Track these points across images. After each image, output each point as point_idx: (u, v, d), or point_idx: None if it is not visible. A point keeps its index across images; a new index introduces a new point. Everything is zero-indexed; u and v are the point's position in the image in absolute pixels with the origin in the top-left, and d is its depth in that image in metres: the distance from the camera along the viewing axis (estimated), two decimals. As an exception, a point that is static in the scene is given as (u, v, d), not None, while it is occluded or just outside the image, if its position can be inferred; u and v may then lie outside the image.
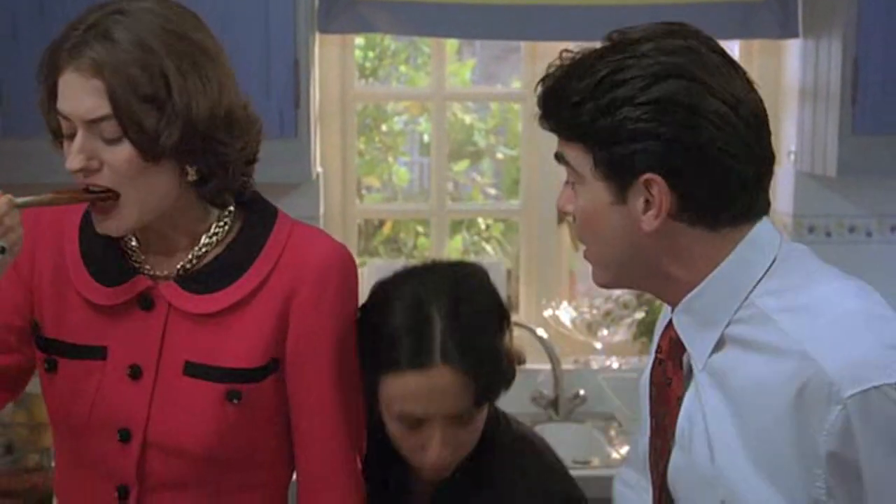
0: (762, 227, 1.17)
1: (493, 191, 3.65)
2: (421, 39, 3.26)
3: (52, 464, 2.17)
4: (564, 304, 2.90)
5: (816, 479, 1.08)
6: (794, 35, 2.72)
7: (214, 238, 1.43)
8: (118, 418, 1.41)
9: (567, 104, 1.16)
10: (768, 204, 1.19)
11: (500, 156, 3.70)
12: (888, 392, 1.04)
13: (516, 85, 3.21)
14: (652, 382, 1.26)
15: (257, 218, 1.46)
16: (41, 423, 2.29)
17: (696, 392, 1.18)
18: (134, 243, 1.44)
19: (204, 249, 1.42)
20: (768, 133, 1.18)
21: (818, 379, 1.06)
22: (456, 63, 3.51)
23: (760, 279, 1.15)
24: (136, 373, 1.41)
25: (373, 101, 3.33)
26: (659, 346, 1.25)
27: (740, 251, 1.16)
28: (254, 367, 1.41)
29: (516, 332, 2.82)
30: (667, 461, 1.21)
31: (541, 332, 2.77)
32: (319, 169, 2.73)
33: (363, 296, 1.53)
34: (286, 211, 1.52)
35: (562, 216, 1.25)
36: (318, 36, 2.65)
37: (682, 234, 1.15)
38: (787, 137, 2.82)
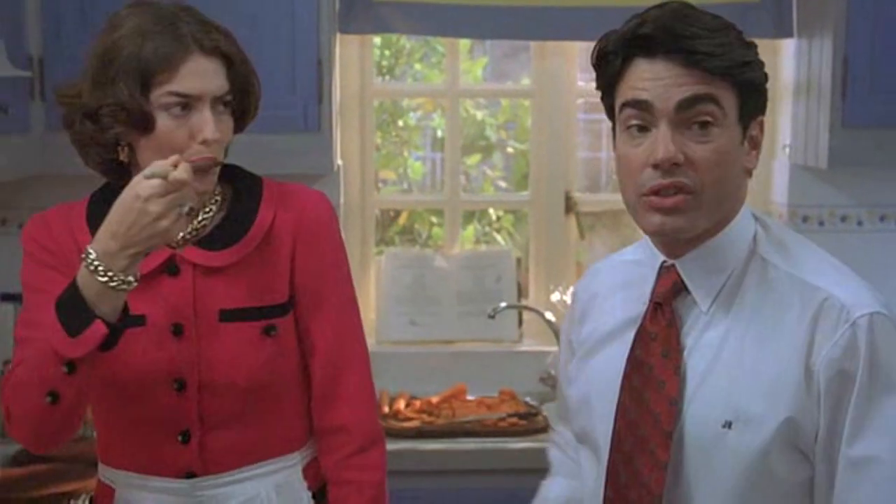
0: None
1: (503, 183, 3.75)
2: (435, 39, 3.37)
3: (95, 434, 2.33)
4: (571, 289, 3.03)
5: (812, 389, 1.26)
6: (789, 35, 2.82)
7: (216, 204, 1.64)
8: (171, 371, 1.59)
9: (726, 41, 1.30)
10: None
11: (510, 150, 3.79)
12: (884, 320, 1.26)
13: (525, 82, 3.29)
14: (643, 327, 1.38)
15: (246, 182, 1.68)
16: (84, 397, 2.45)
17: (692, 330, 1.34)
18: None
19: (209, 214, 1.63)
20: None
21: (832, 305, 1.26)
22: (468, 61, 3.60)
23: (754, 235, 1.36)
24: (178, 330, 1.59)
25: (390, 97, 3.44)
26: (654, 291, 1.38)
27: (745, 210, 1.38)
28: (281, 303, 1.63)
29: (526, 315, 2.98)
30: (677, 394, 1.32)
31: (549, 315, 2.90)
32: (340, 161, 2.86)
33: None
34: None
35: (670, 167, 1.29)
36: (338, 36, 2.77)
37: (745, 181, 1.37)
38: (782, 131, 2.94)
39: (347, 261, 1.75)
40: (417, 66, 3.71)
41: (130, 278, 1.46)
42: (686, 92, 1.28)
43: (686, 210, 1.30)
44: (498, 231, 3.65)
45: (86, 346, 1.46)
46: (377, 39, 3.19)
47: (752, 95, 1.33)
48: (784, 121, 2.92)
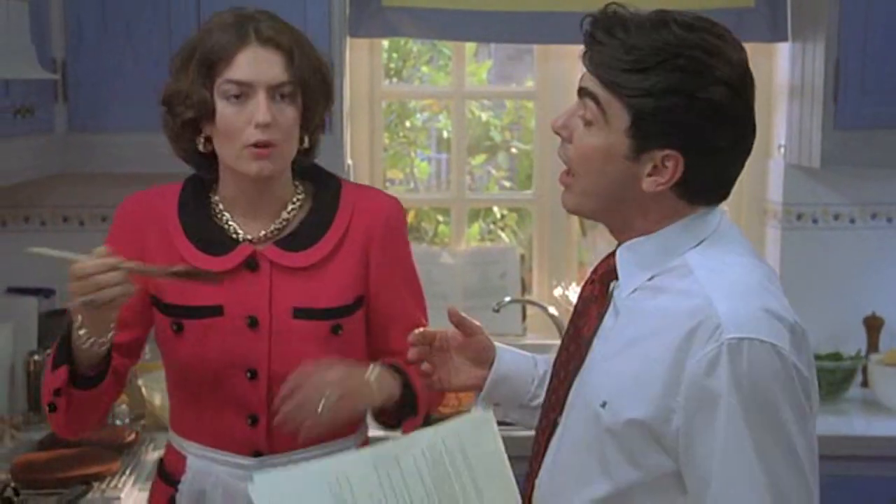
0: (716, 209, 1.38)
1: (507, 183, 3.80)
2: (441, 42, 3.44)
3: (117, 421, 2.43)
4: (574, 284, 3.11)
5: (675, 396, 1.27)
6: (784, 39, 2.90)
7: (298, 203, 1.73)
8: (245, 361, 1.69)
9: (629, 66, 1.28)
10: (728, 194, 1.40)
11: (514, 150, 3.84)
12: (758, 347, 1.24)
13: (529, 84, 3.33)
14: (580, 297, 1.47)
15: (325, 184, 1.77)
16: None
17: (611, 312, 1.40)
18: (227, 216, 1.72)
19: (292, 212, 1.72)
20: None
21: (710, 321, 1.26)
22: (473, 64, 3.64)
23: (696, 245, 1.36)
24: (253, 322, 1.69)
25: (397, 99, 3.51)
26: (596, 269, 1.46)
27: (691, 220, 1.36)
28: (348, 304, 1.72)
29: (530, 309, 3.05)
30: (580, 361, 1.41)
31: (552, 310, 2.97)
32: (350, 161, 2.93)
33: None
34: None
35: (555, 129, 1.38)
36: (349, 40, 2.84)
37: (663, 200, 1.34)
38: (777, 132, 3.02)
39: (413, 261, 1.84)
40: (424, 69, 3.77)
41: (92, 341, 1.58)
42: (581, 84, 1.36)
43: (566, 183, 1.40)
44: (502, 229, 3.71)
45: (54, 382, 1.61)
46: (385, 43, 3.25)
47: (651, 124, 1.29)
48: (779, 121, 3.00)
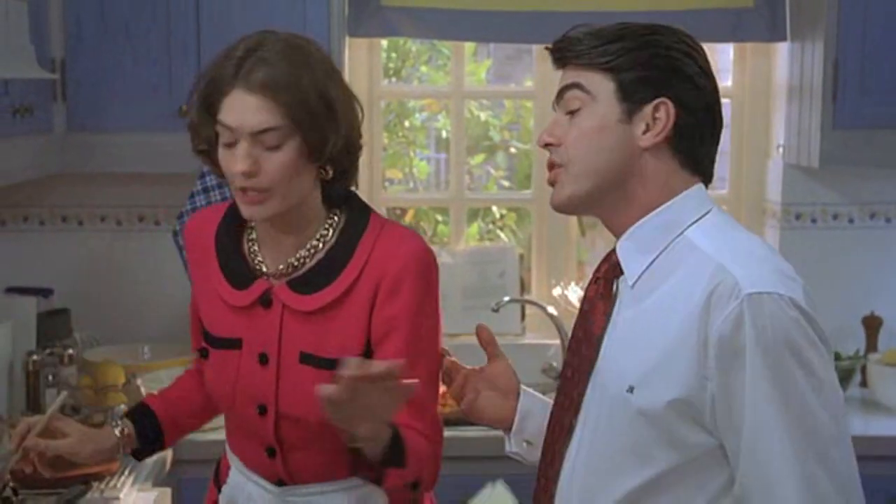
0: (702, 188, 1.44)
1: (506, 182, 3.82)
2: (440, 42, 3.45)
3: (116, 421, 2.44)
4: (572, 284, 3.12)
5: (707, 361, 1.30)
6: (783, 39, 2.91)
7: (321, 240, 1.67)
8: (255, 396, 1.68)
9: (604, 39, 1.40)
10: (711, 178, 1.47)
11: (513, 150, 3.86)
12: (777, 300, 1.29)
13: (528, 84, 3.35)
14: (585, 298, 1.49)
15: (354, 220, 1.68)
16: (105, 386, 2.54)
17: (619, 307, 1.43)
18: (255, 247, 1.70)
19: (311, 250, 1.66)
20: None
21: (727, 282, 1.30)
22: (473, 64, 3.67)
23: (694, 221, 1.40)
24: (263, 359, 1.67)
25: (396, 98, 3.52)
26: (598, 268, 1.48)
27: (688, 195, 1.41)
28: (357, 354, 1.59)
29: (529, 309, 3.06)
30: (593, 359, 1.43)
31: (551, 309, 2.97)
32: (349, 161, 2.95)
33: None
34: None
35: (542, 144, 1.45)
36: (348, 39, 2.85)
37: (661, 159, 1.40)
38: (776, 132, 3.03)
39: (431, 315, 1.66)
40: (423, 69, 3.79)
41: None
42: (559, 87, 1.45)
43: (557, 180, 1.44)
44: (501, 228, 3.73)
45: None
46: (384, 42, 3.26)
47: (634, 79, 1.38)
48: (778, 121, 3.01)
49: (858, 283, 3.00)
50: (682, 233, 1.40)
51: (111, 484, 2.13)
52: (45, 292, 2.80)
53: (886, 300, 2.98)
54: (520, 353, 3.00)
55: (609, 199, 1.43)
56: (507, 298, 2.94)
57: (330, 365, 1.56)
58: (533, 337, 3.10)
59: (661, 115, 1.38)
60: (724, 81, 3.21)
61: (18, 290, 2.77)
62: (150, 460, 2.32)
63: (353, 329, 1.64)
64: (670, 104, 1.38)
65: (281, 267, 1.67)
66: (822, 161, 2.70)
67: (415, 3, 2.87)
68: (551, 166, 1.45)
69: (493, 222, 3.73)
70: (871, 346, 2.92)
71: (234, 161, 1.56)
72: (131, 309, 2.96)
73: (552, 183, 1.45)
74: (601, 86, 1.40)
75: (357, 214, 1.69)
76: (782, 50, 2.97)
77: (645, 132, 1.39)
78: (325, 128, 1.59)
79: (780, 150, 2.98)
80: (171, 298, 2.94)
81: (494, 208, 3.71)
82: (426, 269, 1.65)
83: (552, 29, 2.90)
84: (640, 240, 1.41)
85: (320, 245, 1.67)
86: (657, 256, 1.40)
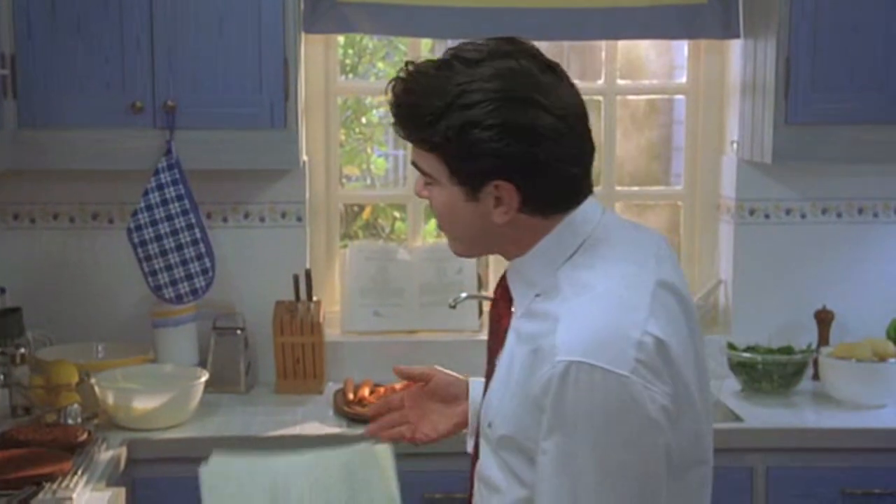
0: (582, 209, 1.39)
1: (464, 179, 3.83)
2: (397, 38, 3.44)
3: (69, 420, 2.41)
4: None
5: (528, 415, 1.31)
6: (736, 36, 2.93)
7: None
8: None
9: (422, 122, 1.34)
10: (591, 187, 1.41)
11: (470, 146, 3.87)
12: (585, 369, 1.24)
13: None
14: (490, 318, 1.51)
15: None
16: (58, 386, 2.51)
17: (510, 334, 1.42)
18: None
19: None
20: (588, 128, 1.39)
21: (550, 342, 1.28)
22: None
23: (572, 255, 1.37)
24: None
25: (353, 94, 3.51)
26: (496, 288, 1.49)
27: (560, 230, 1.38)
28: None
29: (486, 305, 3.06)
30: (488, 382, 1.46)
31: (508, 305, 3.00)
32: (305, 157, 2.93)
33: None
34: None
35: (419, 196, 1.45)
36: (303, 36, 2.83)
37: (522, 222, 1.37)
38: (730, 128, 3.06)
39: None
40: (380, 65, 3.77)
41: None
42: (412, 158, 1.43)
43: (447, 238, 1.47)
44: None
45: None
46: (341, 39, 3.25)
47: (465, 165, 1.33)
48: (732, 118, 3.04)
49: (811, 277, 3.05)
50: (556, 270, 1.37)
51: (64, 484, 2.11)
52: (-4, 291, 2.76)
53: (838, 295, 3.02)
54: (477, 349, 2.99)
55: (493, 252, 1.49)
56: (464, 295, 2.94)
57: None
58: (490, 333, 3.11)
59: (502, 194, 1.34)
60: (679, 78, 3.24)
61: (-31, 289, 2.74)
62: (104, 459, 2.31)
63: None
64: (510, 185, 1.33)
65: None
66: (774, 157, 2.73)
67: (371, 0, 2.86)
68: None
69: (451, 219, 3.72)
70: (824, 339, 2.96)
71: None
72: (85, 307, 2.93)
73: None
74: (437, 168, 1.37)
75: None
76: (736, 47, 3.00)
77: (496, 206, 1.36)
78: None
79: (734, 146, 3.01)
80: (125, 297, 2.92)
81: (452, 205, 3.71)
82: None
83: (508, 25, 2.97)
84: (524, 274, 1.41)
85: None
86: (539, 293, 1.38)
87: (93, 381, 2.55)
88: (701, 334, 1.42)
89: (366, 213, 3.60)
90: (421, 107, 1.34)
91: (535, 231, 1.38)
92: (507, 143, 1.31)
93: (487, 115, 1.31)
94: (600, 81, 3.15)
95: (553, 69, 1.37)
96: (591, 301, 1.31)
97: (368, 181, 3.73)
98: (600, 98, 3.16)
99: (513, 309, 1.43)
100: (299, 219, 2.96)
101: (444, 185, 1.37)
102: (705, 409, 1.38)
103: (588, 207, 1.40)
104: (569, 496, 1.26)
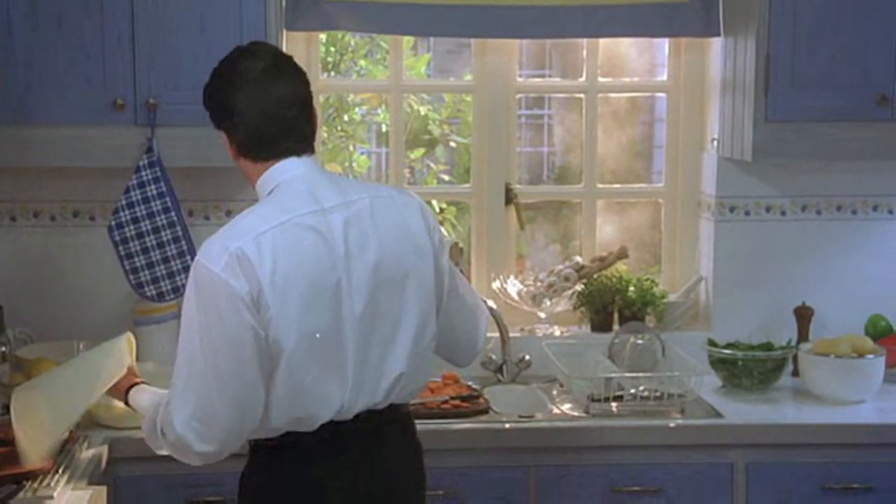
0: (278, 165, 1.92)
1: (446, 176, 3.83)
2: (379, 36, 3.44)
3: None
4: (512, 278, 3.13)
5: None
6: (717, 34, 2.95)
7: None
8: None
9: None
10: (292, 150, 1.92)
11: (452, 144, 3.87)
12: (198, 264, 1.84)
13: (468, 78, 3.34)
14: None
15: None
16: (38, 384, 2.50)
17: None
18: None
19: None
20: (309, 112, 1.96)
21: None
22: (412, 58, 3.67)
23: (264, 199, 1.93)
24: None
25: (335, 92, 3.51)
26: None
27: (262, 179, 1.94)
28: None
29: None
30: None
31: (491, 303, 2.96)
32: (287, 155, 2.93)
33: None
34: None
35: None
36: (285, 33, 2.83)
37: (241, 162, 1.96)
38: (710, 126, 3.07)
39: None
40: (362, 63, 3.79)
41: None
42: None
43: None
44: (441, 222, 3.72)
45: None
46: (322, 36, 3.25)
47: (209, 116, 2.01)
48: (712, 116, 3.05)
49: (790, 274, 3.06)
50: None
51: (44, 483, 2.10)
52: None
53: (817, 291, 3.04)
54: (459, 346, 3.02)
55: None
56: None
57: None
58: (473, 330, 3.10)
59: (225, 140, 1.97)
60: (660, 76, 3.25)
61: (-52, 288, 2.72)
62: (85, 458, 2.30)
63: None
64: (224, 135, 1.96)
65: None
66: (754, 154, 2.75)
67: (353, -3, 2.87)
68: None
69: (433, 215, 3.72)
70: (803, 335, 2.98)
71: None
72: (66, 305, 2.92)
73: None
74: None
75: None
76: (716, 45, 3.01)
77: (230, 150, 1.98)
78: None
79: (715, 143, 3.02)
80: (106, 294, 2.91)
81: (434, 202, 3.69)
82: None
83: (490, 23, 2.98)
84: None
85: None
86: None
87: (74, 379, 2.54)
88: (372, 270, 1.89)
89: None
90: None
91: (252, 172, 1.96)
92: (214, 110, 1.98)
93: (209, 96, 1.98)
94: (582, 79, 3.16)
95: (280, 67, 1.94)
96: (232, 225, 1.88)
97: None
98: (581, 96, 3.17)
99: None
100: (281, 216, 2.95)
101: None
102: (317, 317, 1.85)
103: (283, 163, 1.92)
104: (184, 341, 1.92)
